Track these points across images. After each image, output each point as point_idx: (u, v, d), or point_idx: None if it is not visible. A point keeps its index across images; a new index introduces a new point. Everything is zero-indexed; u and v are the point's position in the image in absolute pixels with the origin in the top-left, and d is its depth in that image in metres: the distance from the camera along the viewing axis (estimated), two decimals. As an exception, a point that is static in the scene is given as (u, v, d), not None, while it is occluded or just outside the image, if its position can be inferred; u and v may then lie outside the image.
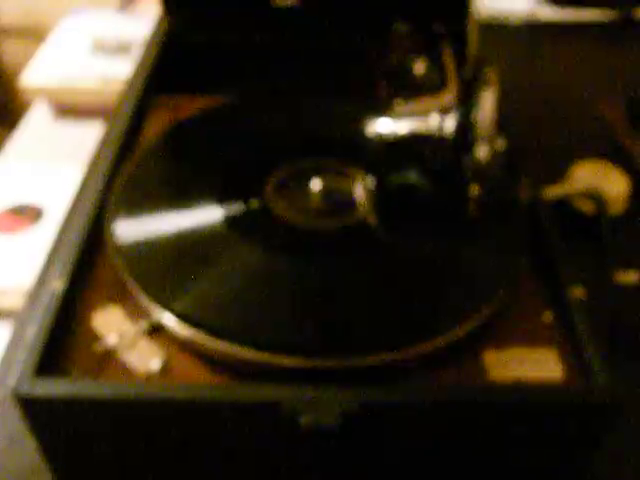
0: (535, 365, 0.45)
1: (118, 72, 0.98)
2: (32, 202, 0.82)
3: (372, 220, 0.53)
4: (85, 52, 1.03)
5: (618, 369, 0.43)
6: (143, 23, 1.10)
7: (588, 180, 0.67)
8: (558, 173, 0.69)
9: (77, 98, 0.98)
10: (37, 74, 0.98)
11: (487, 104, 0.49)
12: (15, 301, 0.71)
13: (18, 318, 0.58)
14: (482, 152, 0.50)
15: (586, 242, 0.64)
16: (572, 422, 0.42)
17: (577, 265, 0.49)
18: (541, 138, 0.77)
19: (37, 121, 0.99)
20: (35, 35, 1.37)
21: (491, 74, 0.50)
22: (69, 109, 0.99)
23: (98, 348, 0.45)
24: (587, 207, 0.66)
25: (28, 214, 0.80)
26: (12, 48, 1.44)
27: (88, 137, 0.89)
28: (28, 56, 1.08)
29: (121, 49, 1.04)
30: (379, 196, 0.55)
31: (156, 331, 0.46)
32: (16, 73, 1.36)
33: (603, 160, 0.70)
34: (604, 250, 0.63)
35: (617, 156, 0.75)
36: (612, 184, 0.67)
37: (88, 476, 0.46)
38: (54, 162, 0.88)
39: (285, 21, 0.72)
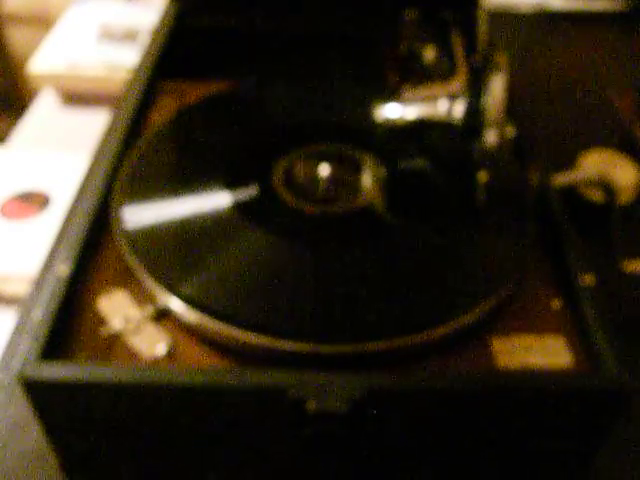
0: (543, 352, 0.45)
1: (125, 59, 0.98)
2: (39, 189, 0.82)
3: (380, 206, 0.52)
4: (92, 39, 1.03)
5: (625, 358, 0.42)
6: (150, 10, 1.10)
7: (597, 168, 0.67)
8: (567, 162, 0.69)
9: (84, 85, 0.98)
10: (44, 61, 0.98)
11: (496, 89, 0.49)
12: (21, 288, 0.71)
13: (23, 303, 0.58)
14: (491, 138, 0.50)
15: (594, 231, 0.64)
16: (580, 409, 0.42)
17: (585, 254, 0.49)
18: (550, 127, 0.76)
19: (44, 108, 0.99)
20: (41, 22, 1.37)
21: (500, 59, 0.50)
22: (76, 96, 0.99)
23: (104, 332, 0.45)
24: (595, 196, 0.66)
25: (35, 201, 0.80)
26: (18, 35, 1.44)
27: (95, 124, 0.89)
28: (34, 43, 1.08)
29: (128, 36, 1.04)
30: (387, 181, 0.54)
31: (162, 316, 0.46)
32: (23, 60, 1.36)
33: (612, 149, 0.70)
34: (612, 239, 0.62)
35: (626, 145, 0.75)
36: (621, 173, 0.67)
37: (93, 460, 0.46)
38: (61, 149, 0.88)
39: (293, 6, 0.72)
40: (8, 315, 0.69)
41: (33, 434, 0.50)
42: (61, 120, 0.97)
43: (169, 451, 0.45)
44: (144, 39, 1.01)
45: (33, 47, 1.05)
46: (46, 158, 0.86)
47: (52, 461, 0.48)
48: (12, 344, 0.55)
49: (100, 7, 1.11)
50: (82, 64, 0.98)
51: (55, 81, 0.98)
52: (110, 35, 1.04)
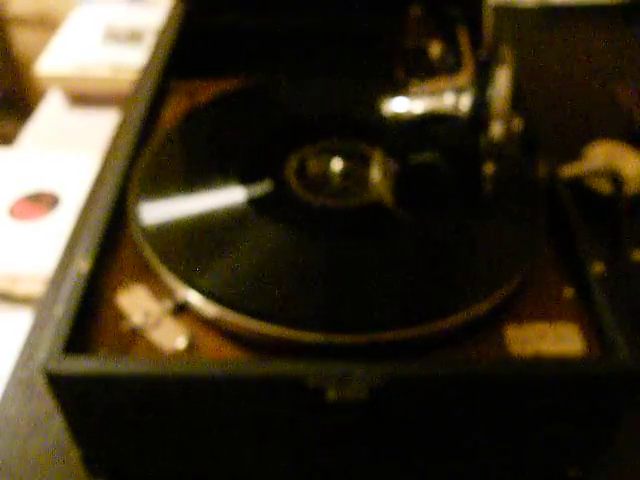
0: (556, 340, 0.45)
1: (130, 60, 0.98)
2: (48, 189, 0.82)
3: (390, 198, 0.53)
4: (97, 41, 1.04)
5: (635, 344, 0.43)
6: (154, 12, 1.10)
7: (603, 160, 0.67)
8: (573, 154, 0.69)
9: (90, 86, 0.98)
10: (50, 63, 0.99)
11: (502, 82, 0.49)
12: (31, 288, 0.72)
13: (41, 301, 0.59)
14: (497, 130, 0.51)
15: (601, 222, 0.64)
16: (593, 395, 0.43)
17: (593, 244, 0.50)
18: (555, 120, 0.77)
19: (51, 109, 1.00)
20: (46, 24, 1.38)
21: (506, 52, 0.50)
22: (82, 97, 0.99)
23: (124, 327, 0.45)
24: (602, 187, 0.66)
25: (44, 201, 0.81)
26: (24, 38, 1.45)
27: (102, 125, 0.89)
28: (40, 45, 1.09)
29: (133, 38, 1.05)
30: (396, 175, 0.55)
31: (181, 310, 0.47)
32: (28, 62, 1.37)
33: (618, 141, 0.71)
34: (620, 229, 0.63)
35: (631, 137, 0.75)
36: (627, 164, 0.67)
37: (114, 453, 0.47)
38: (69, 150, 0.89)
39: (301, 3, 0.72)
40: (20, 315, 0.70)
41: (53, 429, 0.51)
42: (68, 121, 0.98)
43: (190, 443, 0.46)
44: (149, 40, 1.01)
45: (38, 49, 1.06)
46: (54, 159, 0.87)
47: (73, 455, 0.48)
48: (30, 342, 0.56)
49: (105, 9, 1.12)
50: (88, 65, 0.98)
51: (62, 82, 0.99)
52: (115, 36, 1.05)
